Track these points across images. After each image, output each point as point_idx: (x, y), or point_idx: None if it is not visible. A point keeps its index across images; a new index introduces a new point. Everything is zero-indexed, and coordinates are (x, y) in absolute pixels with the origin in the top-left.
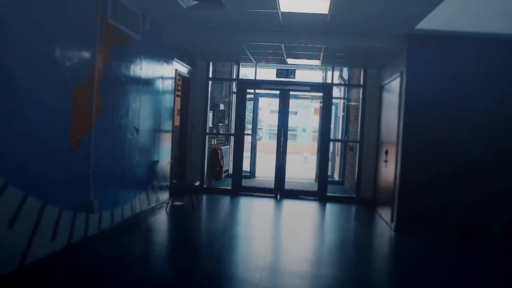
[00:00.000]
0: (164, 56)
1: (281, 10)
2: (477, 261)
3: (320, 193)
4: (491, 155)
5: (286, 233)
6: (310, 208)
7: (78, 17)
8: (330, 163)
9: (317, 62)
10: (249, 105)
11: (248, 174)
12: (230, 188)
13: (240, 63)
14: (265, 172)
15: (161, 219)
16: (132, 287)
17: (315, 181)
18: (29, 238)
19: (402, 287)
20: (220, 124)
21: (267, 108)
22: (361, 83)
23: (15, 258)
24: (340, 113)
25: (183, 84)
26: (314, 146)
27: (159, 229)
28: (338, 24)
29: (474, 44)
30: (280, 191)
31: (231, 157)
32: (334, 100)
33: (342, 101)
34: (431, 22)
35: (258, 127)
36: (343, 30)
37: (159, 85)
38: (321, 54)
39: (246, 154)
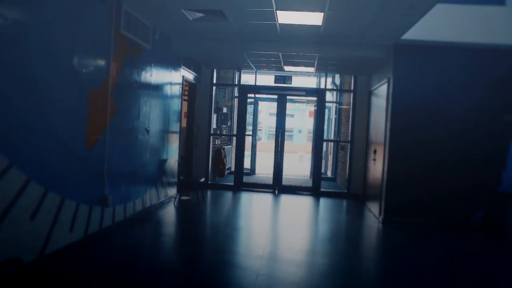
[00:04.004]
0: (172, 63)
1: (279, 22)
2: (458, 249)
3: (314, 188)
4: (469, 153)
5: (283, 225)
6: (305, 202)
7: (94, 28)
8: (323, 161)
9: (311, 69)
10: (250, 108)
11: (249, 171)
12: (232, 184)
13: (242, 70)
14: (264, 170)
15: (170, 212)
16: (144, 274)
17: (310, 177)
18: (49, 229)
19: (388, 273)
20: (223, 126)
21: (266, 111)
22: (352, 88)
23: (37, 248)
24: (333, 116)
25: (190, 89)
26: (309, 146)
27: (168, 222)
28: (330, 35)
29: (454, 53)
30: (278, 187)
31: (233, 156)
32: (327, 104)
33: (334, 104)
34: (415, 33)
35: (258, 128)
36: (335, 40)
37: (168, 90)
38: (315, 62)
39: (247, 153)
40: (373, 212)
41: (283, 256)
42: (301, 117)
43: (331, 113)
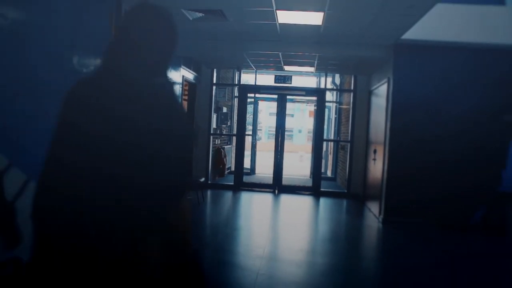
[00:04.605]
0: (172, 63)
1: (279, 22)
2: (458, 249)
3: (314, 188)
4: (469, 153)
5: (283, 225)
6: (305, 202)
7: (94, 28)
8: (323, 161)
9: (311, 69)
10: (250, 108)
11: (249, 171)
12: (232, 184)
13: (242, 70)
14: (264, 169)
15: None
16: None
17: (310, 177)
18: None
19: (388, 273)
20: (223, 126)
21: (266, 111)
22: (352, 88)
23: None
24: (333, 116)
25: (190, 89)
26: (309, 145)
27: None
28: (330, 35)
29: (454, 53)
30: (278, 186)
31: (233, 156)
32: (327, 104)
33: (334, 104)
34: (415, 33)
35: (258, 128)
36: (335, 40)
37: None
38: (315, 62)
39: (247, 153)
40: (373, 212)
41: (283, 256)
42: (301, 117)
43: (331, 113)
